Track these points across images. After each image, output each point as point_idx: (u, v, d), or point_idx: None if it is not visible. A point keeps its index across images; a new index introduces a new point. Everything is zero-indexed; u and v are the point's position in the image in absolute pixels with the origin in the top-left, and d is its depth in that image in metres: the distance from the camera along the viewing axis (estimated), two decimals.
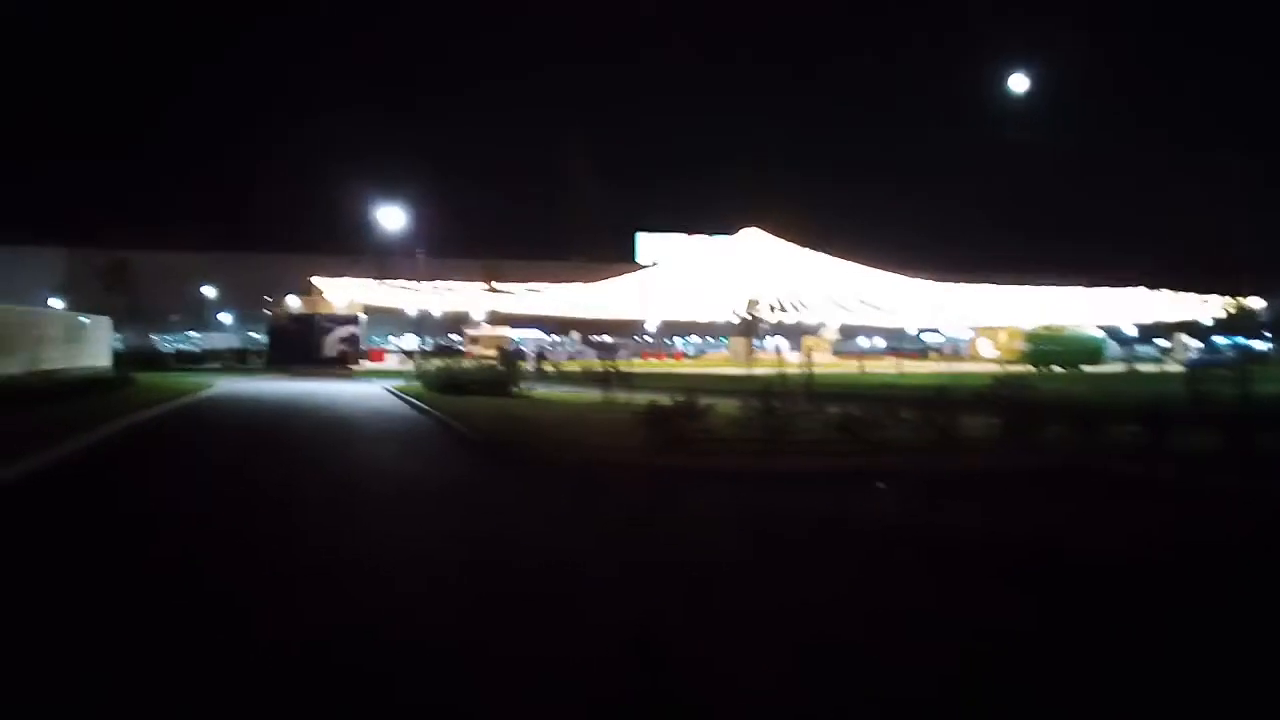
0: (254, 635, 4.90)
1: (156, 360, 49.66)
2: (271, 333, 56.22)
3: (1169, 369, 49.04)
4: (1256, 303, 65.69)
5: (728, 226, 71.91)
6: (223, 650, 4.64)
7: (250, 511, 8.64)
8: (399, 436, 16.10)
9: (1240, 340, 61.32)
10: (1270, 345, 63.53)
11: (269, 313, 59.07)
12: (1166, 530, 7.98)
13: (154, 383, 28.28)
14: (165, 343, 68.83)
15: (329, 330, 53.85)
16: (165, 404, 21.34)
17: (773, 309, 57.12)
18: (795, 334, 59.58)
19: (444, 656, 4.61)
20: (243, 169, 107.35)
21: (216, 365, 52.53)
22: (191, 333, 77.52)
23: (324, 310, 57.90)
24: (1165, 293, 66.31)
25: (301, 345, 52.06)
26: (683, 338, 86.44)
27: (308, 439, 15.50)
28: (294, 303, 60.54)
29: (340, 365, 50.79)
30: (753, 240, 63.30)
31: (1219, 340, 65.19)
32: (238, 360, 55.50)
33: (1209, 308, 68.68)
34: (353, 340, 54.55)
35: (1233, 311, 63.62)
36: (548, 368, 33.50)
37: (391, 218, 50.90)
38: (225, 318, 79.82)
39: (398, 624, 5.13)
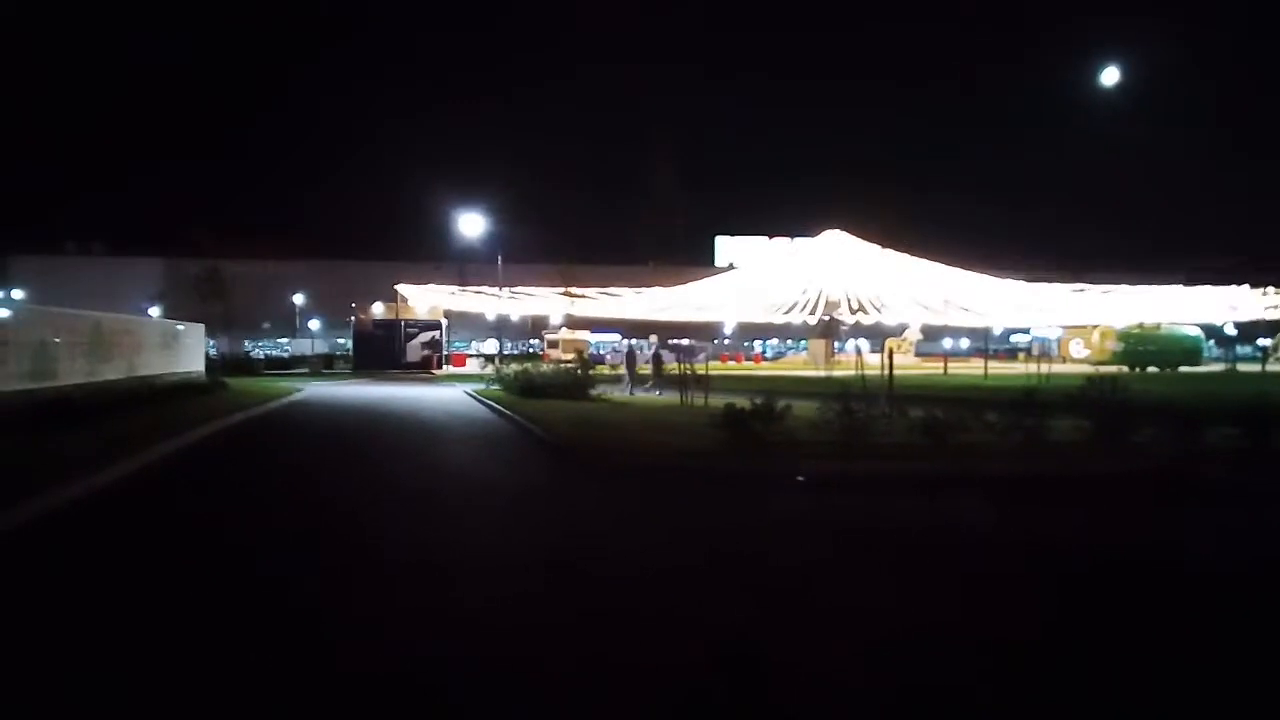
0: (355, 616, 5.03)
1: (247, 366, 51.23)
2: (357, 338, 57.47)
3: (1272, 369, 47.07)
4: None
5: (808, 230, 71.13)
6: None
7: (333, 513, 8.79)
8: (477, 441, 16.22)
9: None
10: None
11: (355, 319, 60.40)
12: (1260, 543, 7.60)
13: (244, 388, 29.11)
14: (256, 348, 70.92)
15: (412, 335, 54.90)
16: (255, 408, 21.94)
17: (853, 310, 56.14)
18: (877, 335, 58.49)
19: (530, 659, 4.59)
20: (330, 181, 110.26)
21: (304, 370, 53.88)
22: (283, 340, 79.74)
23: (407, 316, 58.94)
24: (1269, 290, 63.36)
25: (386, 350, 53.19)
26: (762, 340, 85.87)
27: (391, 443, 15.70)
28: (379, 309, 61.78)
29: (423, 369, 51.71)
30: (834, 242, 62.22)
31: None
32: (325, 365, 56.86)
33: None
34: (435, 345, 55.49)
35: None
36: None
37: (472, 225, 51.67)
38: (314, 324, 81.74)
39: (481, 624, 5.16)
